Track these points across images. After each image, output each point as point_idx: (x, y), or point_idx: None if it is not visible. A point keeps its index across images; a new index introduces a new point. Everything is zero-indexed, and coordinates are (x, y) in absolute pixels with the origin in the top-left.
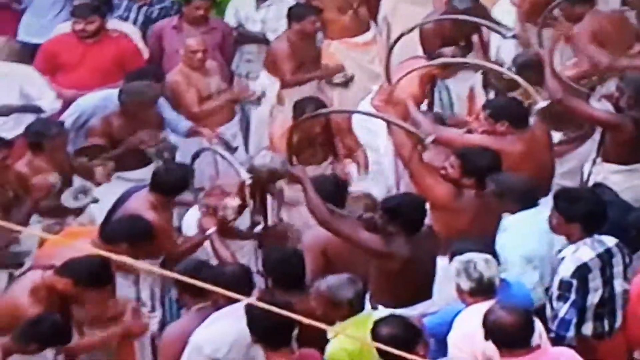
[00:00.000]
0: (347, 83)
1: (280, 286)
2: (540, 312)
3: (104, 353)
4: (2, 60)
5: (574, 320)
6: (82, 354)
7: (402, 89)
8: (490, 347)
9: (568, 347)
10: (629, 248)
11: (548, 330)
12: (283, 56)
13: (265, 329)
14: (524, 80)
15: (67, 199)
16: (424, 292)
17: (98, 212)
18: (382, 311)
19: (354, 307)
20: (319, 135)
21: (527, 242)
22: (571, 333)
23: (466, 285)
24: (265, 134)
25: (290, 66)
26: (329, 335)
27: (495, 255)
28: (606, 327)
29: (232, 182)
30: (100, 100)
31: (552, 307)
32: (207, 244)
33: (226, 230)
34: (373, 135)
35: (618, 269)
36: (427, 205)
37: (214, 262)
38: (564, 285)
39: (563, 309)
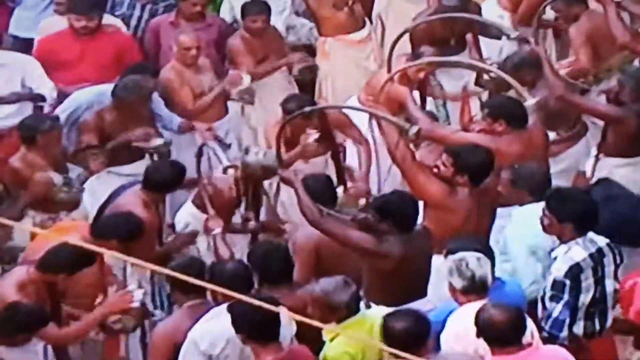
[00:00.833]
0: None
1: (267, 282)
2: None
3: (93, 347)
4: None
5: (567, 320)
6: (70, 342)
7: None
8: (482, 345)
9: (560, 346)
10: (639, 241)
11: (541, 328)
12: (238, 52)
13: (250, 325)
14: (519, 79)
15: (56, 194)
16: (418, 290)
17: (91, 208)
18: (376, 309)
19: (351, 310)
20: (315, 129)
21: (533, 235)
22: (564, 333)
23: (458, 283)
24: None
25: (248, 60)
26: (325, 337)
27: (490, 253)
28: (597, 327)
29: (224, 176)
30: (96, 96)
31: (544, 307)
32: (206, 243)
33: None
34: None
35: (609, 268)
36: (421, 204)
37: (206, 260)
38: (557, 285)
39: (556, 309)
